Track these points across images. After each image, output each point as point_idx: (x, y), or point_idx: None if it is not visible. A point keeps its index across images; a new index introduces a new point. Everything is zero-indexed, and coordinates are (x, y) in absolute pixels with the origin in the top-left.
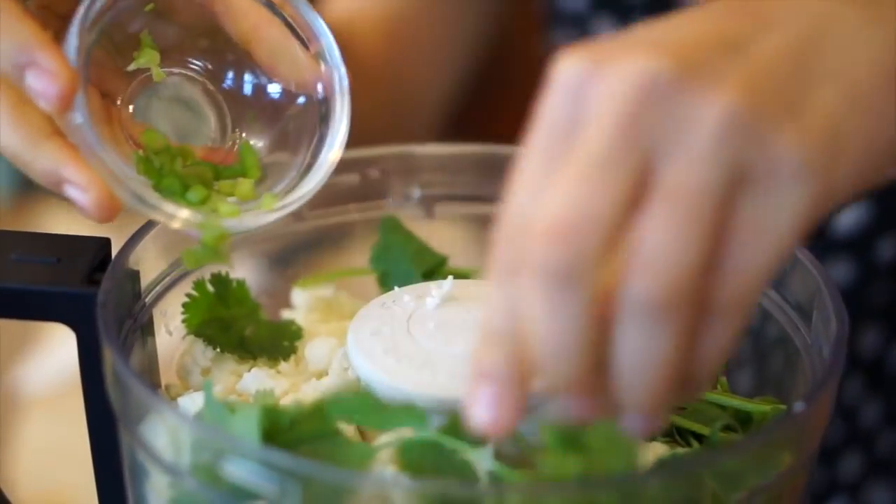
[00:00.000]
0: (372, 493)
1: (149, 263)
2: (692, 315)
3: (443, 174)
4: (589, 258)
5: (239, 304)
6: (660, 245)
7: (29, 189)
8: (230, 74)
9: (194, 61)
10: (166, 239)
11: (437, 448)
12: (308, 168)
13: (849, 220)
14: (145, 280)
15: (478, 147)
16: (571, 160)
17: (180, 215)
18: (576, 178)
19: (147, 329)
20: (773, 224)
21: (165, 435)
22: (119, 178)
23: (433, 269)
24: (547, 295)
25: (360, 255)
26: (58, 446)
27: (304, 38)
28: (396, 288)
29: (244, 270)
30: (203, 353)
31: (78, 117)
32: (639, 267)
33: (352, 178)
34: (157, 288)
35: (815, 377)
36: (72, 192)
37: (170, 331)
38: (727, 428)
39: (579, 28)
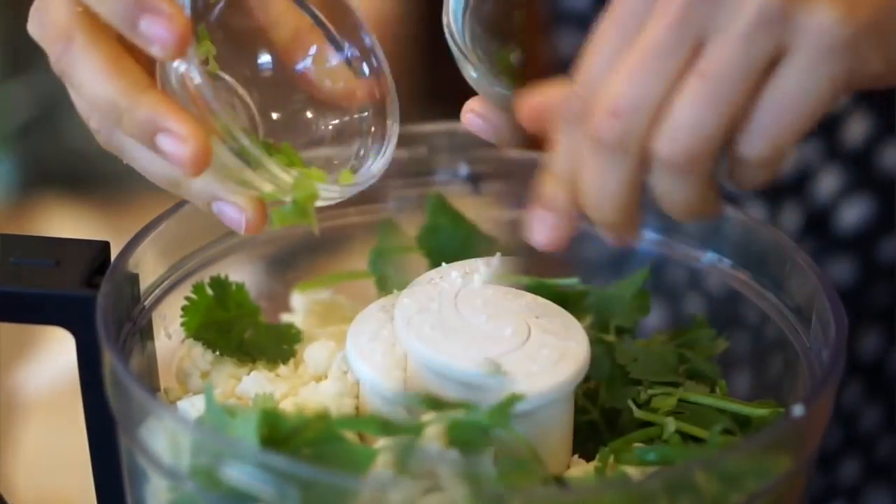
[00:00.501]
0: (370, 495)
1: (148, 267)
2: (711, 167)
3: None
4: (636, 133)
5: (238, 308)
6: (685, 114)
7: (29, 190)
8: (273, 84)
9: (238, 69)
10: (165, 242)
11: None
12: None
13: (851, 219)
14: (144, 283)
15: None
16: (635, 47)
17: (278, 172)
18: (636, 64)
19: (146, 332)
20: (804, 90)
21: (164, 438)
22: (226, 124)
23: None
24: (601, 159)
25: (359, 259)
26: (57, 450)
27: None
28: (395, 291)
29: (243, 274)
30: (202, 357)
31: (190, 67)
32: (666, 131)
33: None
34: (157, 291)
35: (814, 380)
36: (166, 143)
37: (169, 334)
38: (726, 431)
39: (584, 28)
